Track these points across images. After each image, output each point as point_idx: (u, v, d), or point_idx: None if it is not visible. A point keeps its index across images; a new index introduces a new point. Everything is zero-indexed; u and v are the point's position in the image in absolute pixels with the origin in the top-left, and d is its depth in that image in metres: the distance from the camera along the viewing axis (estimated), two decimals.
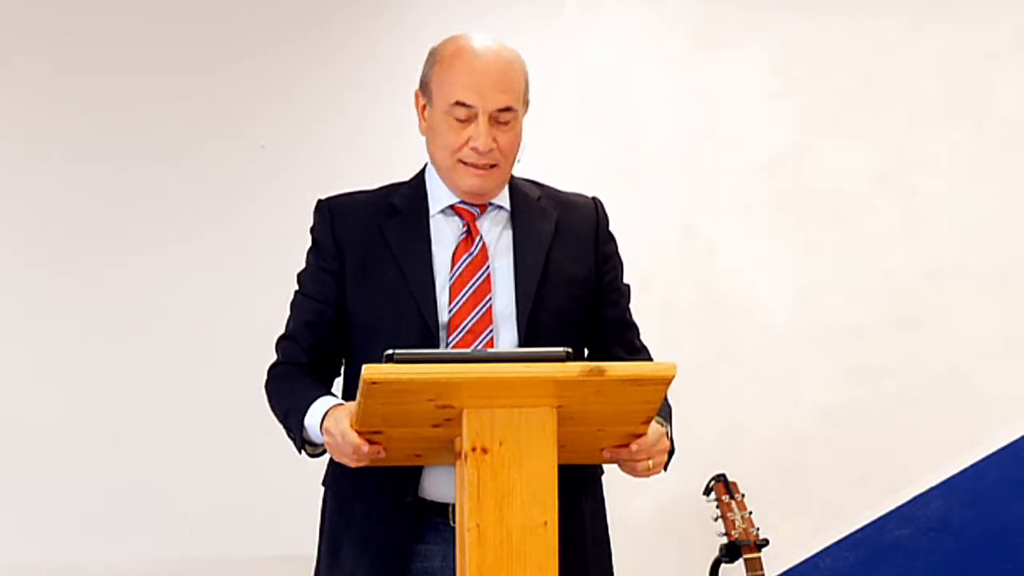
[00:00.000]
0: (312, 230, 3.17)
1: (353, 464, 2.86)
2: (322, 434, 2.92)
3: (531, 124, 4.47)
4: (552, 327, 2.99)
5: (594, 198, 3.23)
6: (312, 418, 2.95)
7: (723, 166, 4.71)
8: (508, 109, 3.04)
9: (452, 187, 3.10)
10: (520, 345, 3.01)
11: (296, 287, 3.19)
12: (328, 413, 2.91)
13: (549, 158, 4.34)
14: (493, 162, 3.04)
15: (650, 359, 3.18)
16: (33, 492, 4.42)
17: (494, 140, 3.03)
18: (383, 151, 4.51)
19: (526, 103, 3.12)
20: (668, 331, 4.53)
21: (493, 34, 3.14)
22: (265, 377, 3.16)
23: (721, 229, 4.70)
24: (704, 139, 4.72)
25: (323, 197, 3.20)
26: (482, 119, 3.02)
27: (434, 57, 3.10)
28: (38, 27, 4.53)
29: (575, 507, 3.02)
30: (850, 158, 4.72)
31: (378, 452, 2.83)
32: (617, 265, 3.20)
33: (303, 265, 3.20)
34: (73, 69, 4.52)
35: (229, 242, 4.55)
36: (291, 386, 3.08)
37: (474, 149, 3.02)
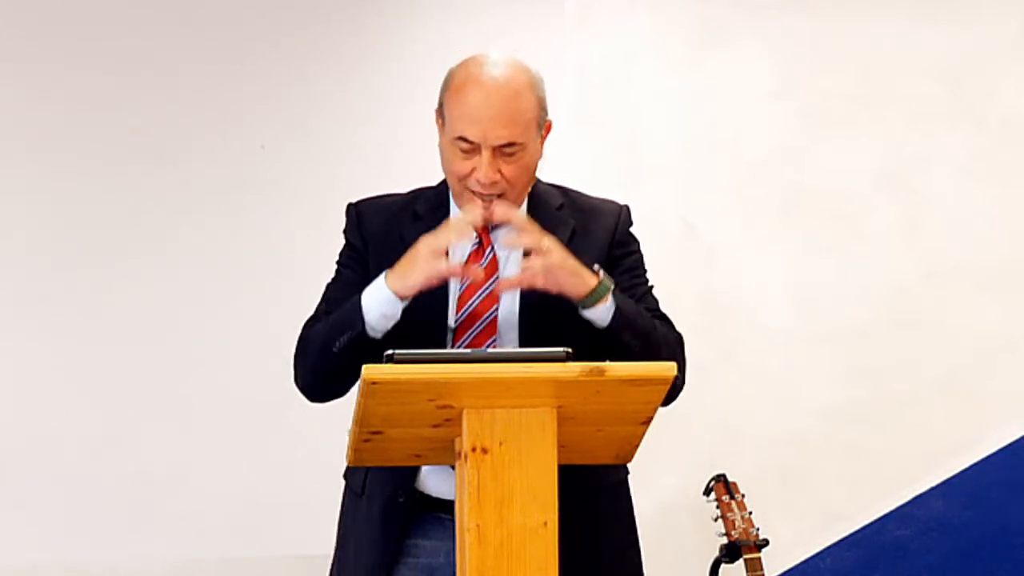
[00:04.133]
0: (344, 231, 3.20)
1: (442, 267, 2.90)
2: (387, 285, 2.93)
3: None
4: (555, 336, 2.98)
5: (623, 206, 3.22)
6: (370, 290, 2.96)
7: (723, 166, 4.71)
8: (511, 144, 3.02)
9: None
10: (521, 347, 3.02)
11: (328, 282, 3.20)
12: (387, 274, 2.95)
13: (549, 158, 4.33)
14: (498, 192, 3.04)
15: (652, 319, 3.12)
16: (33, 492, 4.42)
17: (499, 171, 3.02)
18: (383, 151, 4.51)
19: (541, 125, 3.09)
20: None
21: (508, 55, 3.10)
22: (297, 344, 3.12)
23: (721, 229, 4.70)
24: (704, 139, 4.71)
25: (353, 201, 3.21)
26: (485, 153, 3.01)
27: (448, 82, 3.09)
28: (38, 27, 4.53)
29: (587, 512, 3.02)
30: (850, 158, 4.72)
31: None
32: (631, 262, 3.18)
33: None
34: (73, 69, 4.52)
35: (230, 242, 4.55)
36: (332, 315, 3.07)
37: (477, 180, 3.03)
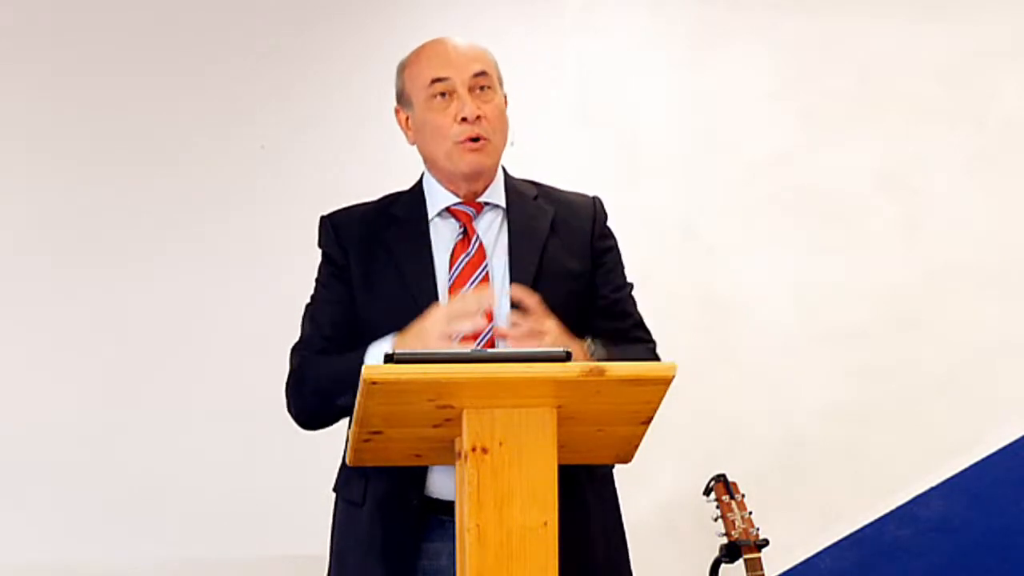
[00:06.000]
0: (320, 244, 3.21)
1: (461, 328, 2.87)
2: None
3: (531, 125, 4.49)
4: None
5: (594, 197, 3.24)
6: (374, 353, 2.93)
7: (723, 166, 4.71)
8: (483, 74, 3.10)
9: (452, 176, 3.12)
10: None
11: (309, 300, 3.20)
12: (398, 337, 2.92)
13: (549, 158, 4.34)
14: (484, 135, 3.08)
15: (646, 352, 3.16)
16: (33, 492, 4.42)
17: (479, 109, 3.07)
18: (383, 152, 4.51)
19: (501, 83, 3.16)
20: (668, 331, 4.50)
21: (489, 36, 3.15)
22: (289, 380, 3.13)
23: (721, 229, 4.70)
24: (704, 139, 4.72)
25: (324, 213, 3.22)
26: (462, 91, 3.08)
27: (401, 66, 3.19)
28: (38, 27, 4.53)
29: (580, 504, 3.03)
30: (850, 158, 4.72)
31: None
32: (613, 260, 3.20)
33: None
34: (73, 70, 4.52)
35: (229, 243, 4.55)
36: (332, 360, 3.05)
37: (464, 120, 3.07)
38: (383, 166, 4.40)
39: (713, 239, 4.70)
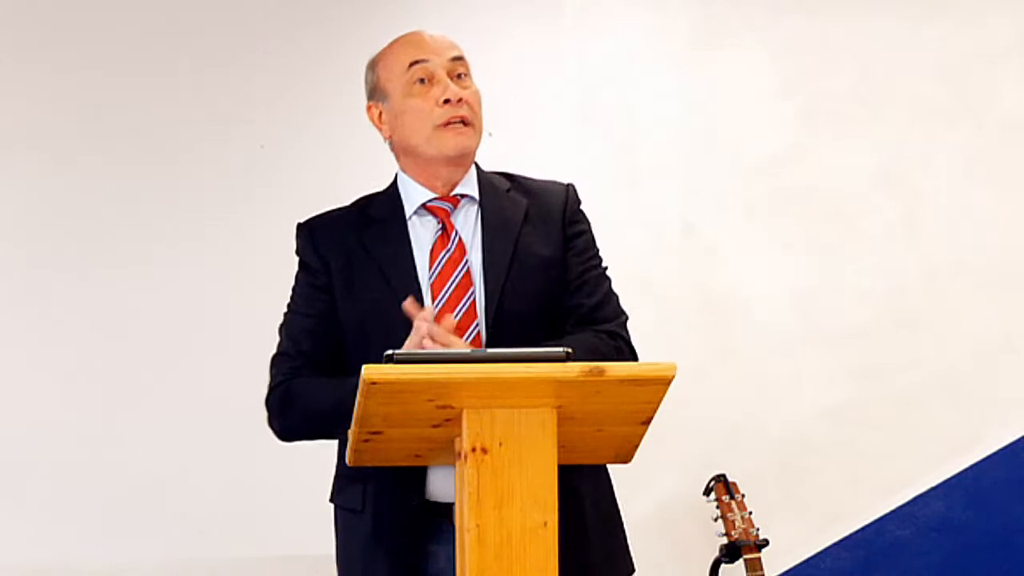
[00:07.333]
0: (297, 252, 3.22)
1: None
2: None
3: (531, 124, 4.50)
4: (521, 311, 3.02)
5: (568, 184, 3.24)
6: None
7: (723, 166, 4.71)
8: (460, 59, 3.13)
9: (434, 161, 3.12)
10: (488, 330, 3.03)
11: (286, 309, 3.20)
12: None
13: (549, 158, 4.34)
14: (467, 117, 3.09)
15: (607, 332, 3.11)
16: (33, 493, 4.42)
17: (460, 92, 3.10)
18: (383, 152, 4.51)
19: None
20: (668, 331, 4.53)
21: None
22: (272, 396, 3.13)
23: (721, 229, 4.70)
24: (704, 139, 4.72)
25: (301, 221, 3.23)
26: (441, 74, 3.10)
27: (372, 62, 3.21)
28: (38, 27, 4.53)
29: (577, 498, 3.02)
30: (850, 158, 4.72)
31: None
32: (584, 242, 3.18)
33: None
34: (73, 69, 4.52)
35: (229, 242, 4.55)
36: (322, 384, 3.06)
37: (446, 102, 3.08)
38: (382, 166, 4.40)
39: (713, 239, 4.70)
